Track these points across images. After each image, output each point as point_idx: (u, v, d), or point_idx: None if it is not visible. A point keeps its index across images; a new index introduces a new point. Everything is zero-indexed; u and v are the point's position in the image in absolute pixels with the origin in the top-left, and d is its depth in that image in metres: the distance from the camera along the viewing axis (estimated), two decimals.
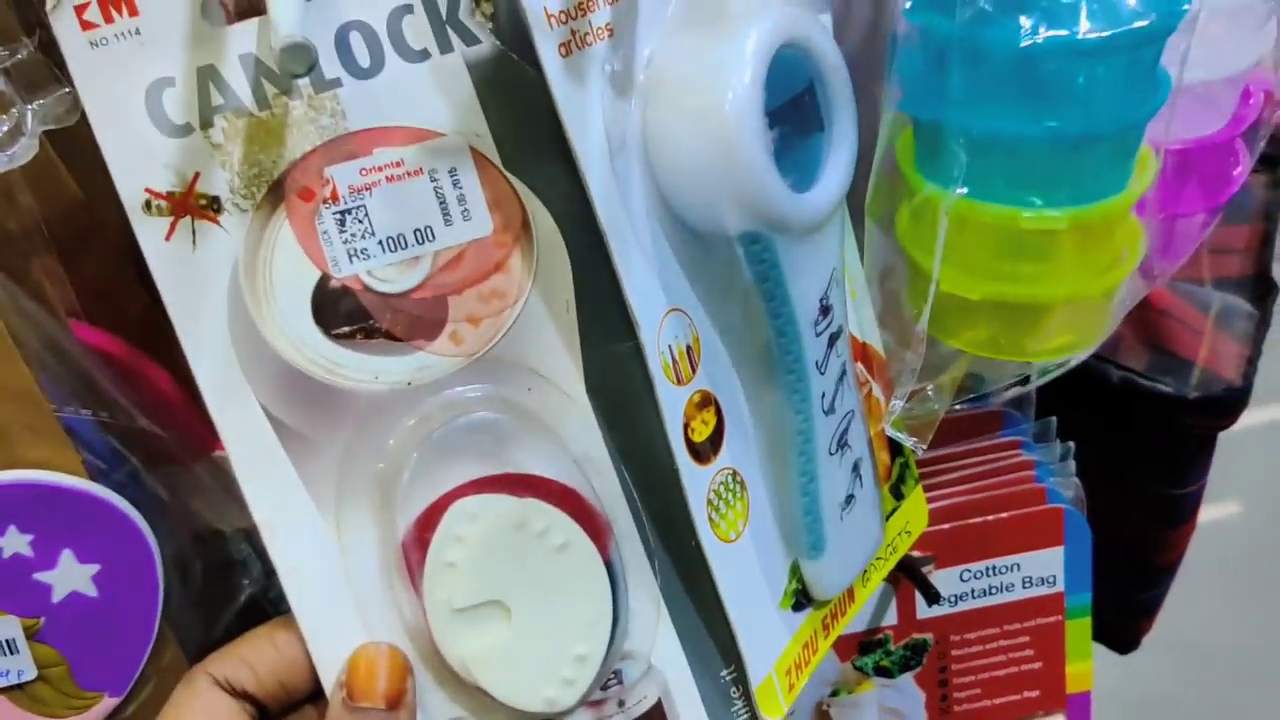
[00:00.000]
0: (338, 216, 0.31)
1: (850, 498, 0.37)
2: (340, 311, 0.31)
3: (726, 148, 0.30)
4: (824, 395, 0.34)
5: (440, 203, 0.31)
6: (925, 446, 0.38)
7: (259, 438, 0.32)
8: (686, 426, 0.32)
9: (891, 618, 0.50)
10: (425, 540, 0.32)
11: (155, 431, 0.38)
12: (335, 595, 0.32)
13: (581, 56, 0.30)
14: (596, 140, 0.30)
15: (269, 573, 0.44)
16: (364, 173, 0.31)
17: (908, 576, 0.48)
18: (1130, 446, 0.61)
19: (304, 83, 0.30)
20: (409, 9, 0.30)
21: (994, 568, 0.49)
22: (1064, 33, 0.31)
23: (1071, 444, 0.51)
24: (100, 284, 0.36)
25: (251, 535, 0.43)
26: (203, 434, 0.43)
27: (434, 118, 0.31)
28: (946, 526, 0.49)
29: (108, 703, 0.37)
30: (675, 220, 0.32)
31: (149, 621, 0.36)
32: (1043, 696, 0.52)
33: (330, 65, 0.30)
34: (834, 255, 0.35)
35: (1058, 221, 0.34)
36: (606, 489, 0.33)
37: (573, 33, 0.30)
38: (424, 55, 0.30)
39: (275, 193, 0.30)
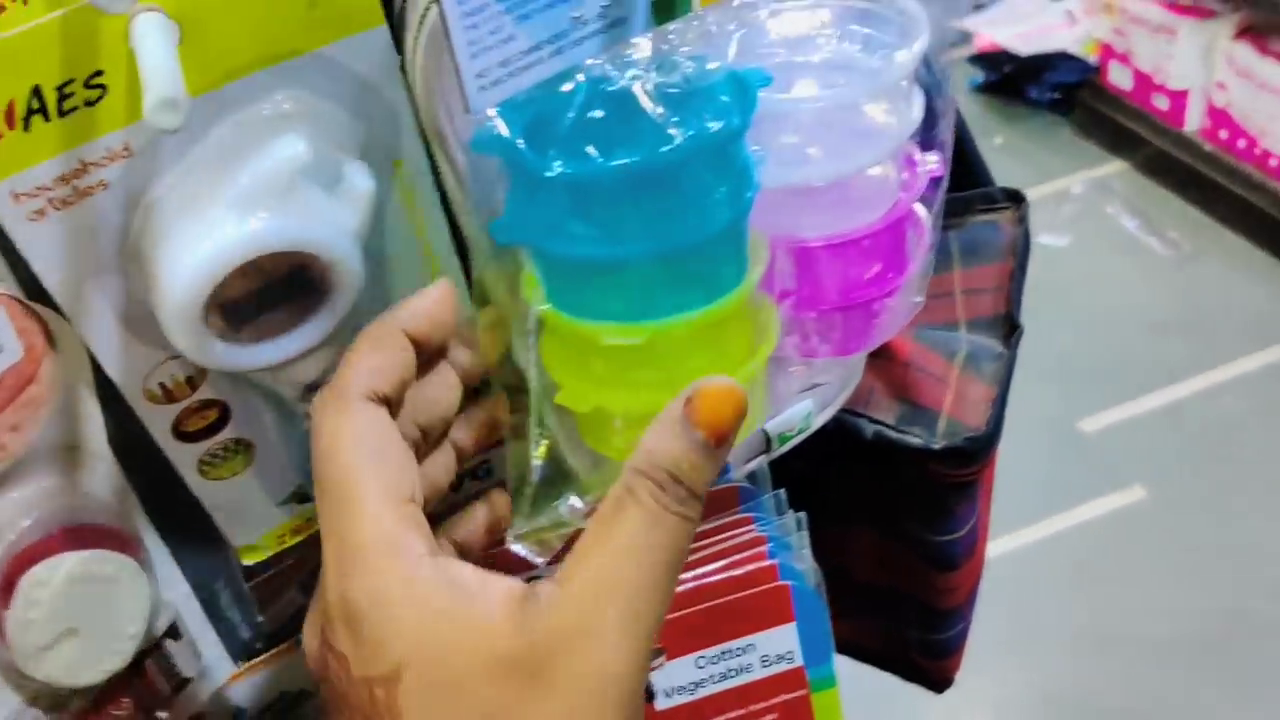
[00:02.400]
0: None
1: None
2: None
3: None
4: None
5: None
6: (545, 560, 0.38)
7: None
8: (179, 423, 0.39)
9: None
10: (7, 600, 0.38)
11: None
12: None
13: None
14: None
15: None
16: None
17: None
18: (896, 496, 0.61)
19: None
20: None
21: (729, 651, 0.49)
22: (587, 164, 0.32)
23: (804, 514, 0.51)
24: None
25: None
26: None
27: None
28: (675, 615, 0.49)
29: None
30: None
31: None
32: None
33: None
34: (328, 359, 0.38)
35: (638, 334, 0.34)
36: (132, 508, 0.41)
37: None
38: None
39: None
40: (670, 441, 0.31)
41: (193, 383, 0.38)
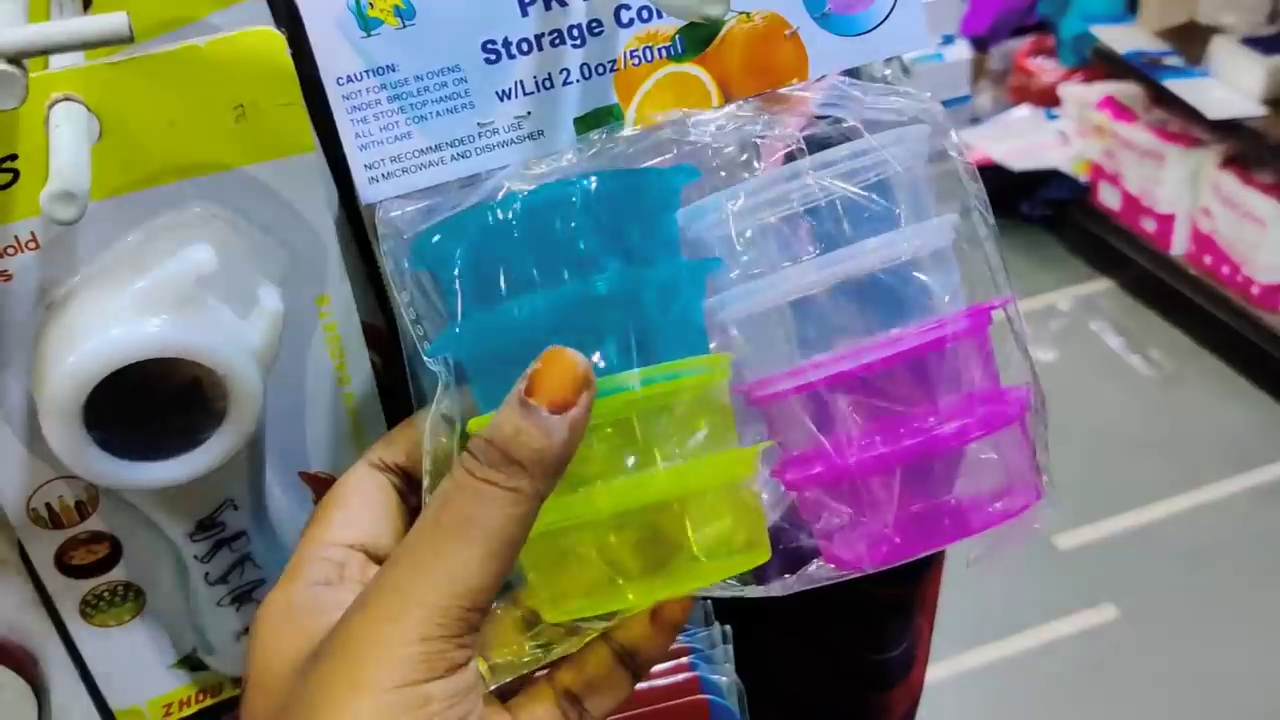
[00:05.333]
0: None
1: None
2: None
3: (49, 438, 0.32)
4: (207, 574, 0.40)
5: None
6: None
7: None
8: (64, 553, 0.37)
9: None
10: None
11: None
12: None
13: None
14: None
15: None
16: None
17: None
18: (826, 611, 0.61)
19: None
20: None
21: None
22: None
23: (728, 628, 0.51)
24: None
25: None
26: None
27: None
28: None
29: None
30: None
31: None
32: None
33: None
34: (225, 491, 0.37)
35: None
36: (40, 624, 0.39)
37: None
38: None
39: None
40: (503, 414, 0.31)
41: (82, 510, 0.36)
